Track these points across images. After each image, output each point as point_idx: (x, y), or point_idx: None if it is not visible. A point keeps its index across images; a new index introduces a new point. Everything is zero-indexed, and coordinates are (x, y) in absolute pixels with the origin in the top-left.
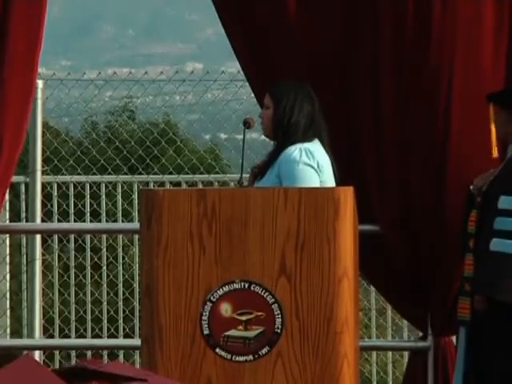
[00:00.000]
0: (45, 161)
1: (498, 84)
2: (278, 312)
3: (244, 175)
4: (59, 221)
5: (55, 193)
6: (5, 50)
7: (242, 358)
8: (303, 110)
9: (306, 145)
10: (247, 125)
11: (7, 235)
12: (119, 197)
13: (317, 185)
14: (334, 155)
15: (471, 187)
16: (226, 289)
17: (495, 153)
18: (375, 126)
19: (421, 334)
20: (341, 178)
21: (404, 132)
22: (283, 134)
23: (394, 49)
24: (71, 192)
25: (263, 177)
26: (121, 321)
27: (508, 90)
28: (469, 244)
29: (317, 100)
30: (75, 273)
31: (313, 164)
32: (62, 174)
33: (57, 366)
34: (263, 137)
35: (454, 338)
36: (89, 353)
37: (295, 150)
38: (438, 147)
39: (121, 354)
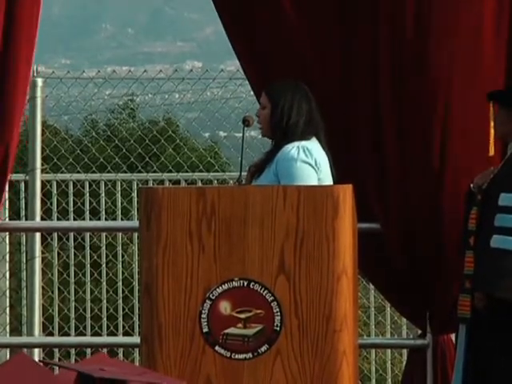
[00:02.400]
0: (44, 159)
1: (498, 83)
2: (277, 310)
3: (243, 173)
4: (59, 219)
5: (55, 191)
6: None
7: (241, 356)
8: (301, 110)
9: (304, 143)
10: (246, 123)
11: (7, 233)
12: (119, 195)
13: (314, 182)
14: (334, 154)
15: (471, 185)
16: (225, 287)
17: (492, 151)
18: (375, 126)
19: (420, 331)
20: (341, 177)
21: (403, 131)
22: (282, 134)
23: (393, 48)
24: (71, 190)
25: (261, 175)
26: (120, 319)
27: (508, 88)
28: (469, 241)
29: (313, 99)
30: (75, 271)
31: (311, 162)
32: (62, 172)
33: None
34: None
35: (452, 336)
36: (88, 350)
37: (293, 148)
38: (438, 146)
39: (120, 351)
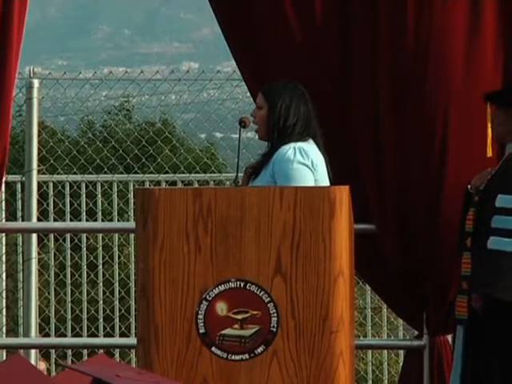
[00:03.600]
0: (41, 160)
1: (497, 85)
2: (274, 311)
3: (240, 174)
4: (55, 220)
5: (51, 192)
6: None
7: (237, 357)
8: (299, 112)
9: (300, 144)
10: (243, 124)
11: (3, 234)
12: (115, 196)
13: (311, 183)
14: (332, 155)
15: (469, 186)
16: (222, 288)
17: (489, 153)
18: (373, 127)
19: (416, 332)
20: (338, 178)
21: (402, 132)
22: (278, 136)
23: (393, 49)
24: (67, 191)
25: (257, 176)
26: (117, 320)
27: (505, 89)
28: (466, 242)
29: (310, 100)
30: (71, 272)
31: (307, 163)
32: (58, 173)
33: (52, 365)
34: None
35: (449, 337)
36: (85, 351)
37: (289, 149)
38: (436, 147)
39: (117, 352)
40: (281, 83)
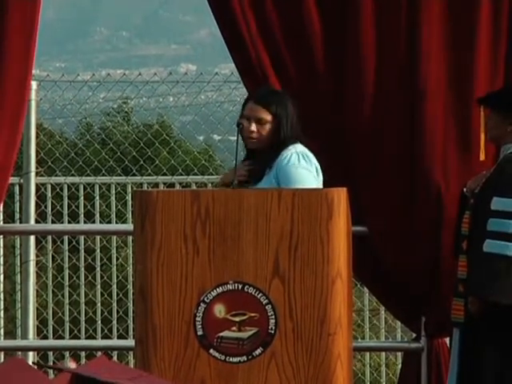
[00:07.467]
0: (39, 162)
1: (496, 85)
2: (272, 313)
3: (239, 178)
4: (53, 222)
5: (49, 194)
6: None
7: (235, 359)
8: (298, 120)
9: (300, 148)
10: (240, 126)
11: (1, 236)
12: (113, 198)
13: None
14: (327, 156)
15: (464, 189)
16: (220, 290)
17: (483, 156)
18: (370, 129)
19: (414, 335)
20: (333, 179)
21: (399, 134)
22: (284, 143)
23: (391, 50)
24: (65, 193)
25: (260, 181)
26: (115, 321)
27: (499, 92)
28: (462, 245)
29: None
30: (69, 274)
31: (311, 169)
32: (56, 176)
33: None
34: None
35: (447, 340)
36: (83, 354)
37: (292, 154)
38: (433, 149)
39: (115, 354)
40: (278, 95)
